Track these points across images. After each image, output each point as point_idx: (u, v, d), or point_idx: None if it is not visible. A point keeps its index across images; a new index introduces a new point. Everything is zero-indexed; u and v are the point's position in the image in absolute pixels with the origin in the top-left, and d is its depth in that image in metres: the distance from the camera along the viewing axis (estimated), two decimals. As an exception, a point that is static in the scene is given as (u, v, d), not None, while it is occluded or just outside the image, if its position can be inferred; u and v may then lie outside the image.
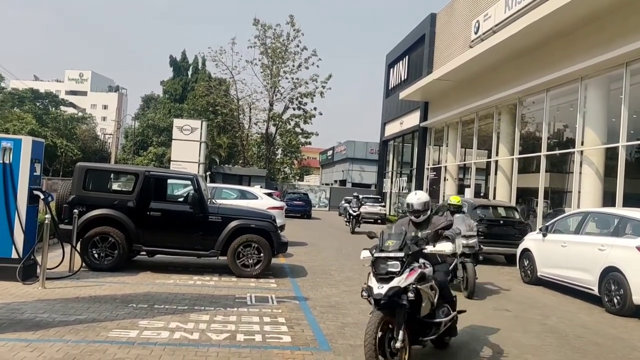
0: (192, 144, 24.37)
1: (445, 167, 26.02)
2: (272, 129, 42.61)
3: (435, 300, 5.23)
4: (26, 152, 7.99)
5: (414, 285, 4.80)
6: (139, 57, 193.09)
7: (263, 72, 41.00)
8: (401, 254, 4.90)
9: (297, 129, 42.70)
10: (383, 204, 32.42)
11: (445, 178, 25.99)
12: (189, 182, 10.49)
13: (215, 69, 48.30)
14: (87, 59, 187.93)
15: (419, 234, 5.44)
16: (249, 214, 10.23)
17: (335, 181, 60.31)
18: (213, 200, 10.90)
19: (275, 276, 9.99)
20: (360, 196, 25.86)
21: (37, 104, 59.86)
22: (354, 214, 22.33)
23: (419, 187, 28.53)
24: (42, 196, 8.23)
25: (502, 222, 14.87)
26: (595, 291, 9.00)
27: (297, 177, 56.73)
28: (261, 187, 21.83)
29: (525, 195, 19.16)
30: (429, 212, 5.74)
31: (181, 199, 10.91)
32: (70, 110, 66.49)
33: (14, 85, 64.78)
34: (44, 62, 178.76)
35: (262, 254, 9.68)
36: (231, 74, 41.33)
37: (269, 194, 17.06)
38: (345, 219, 23.88)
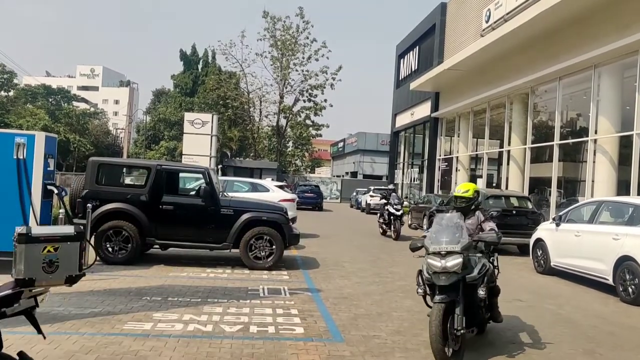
0: (204, 138, 24.44)
1: (457, 157, 25.86)
2: (283, 122, 42.68)
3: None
4: (40, 147, 8.07)
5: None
6: (149, 51, 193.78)
7: (273, 65, 41.04)
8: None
9: (308, 121, 42.70)
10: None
11: (457, 168, 25.84)
12: (200, 176, 10.55)
13: (225, 62, 48.42)
14: (98, 54, 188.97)
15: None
16: (261, 207, 10.26)
17: (347, 173, 60.25)
18: (225, 194, 10.94)
19: (287, 268, 10.03)
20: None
21: (50, 99, 60.41)
22: (397, 213, 16.24)
23: (431, 177, 28.45)
24: (56, 191, 8.31)
25: (514, 212, 14.79)
26: (610, 280, 8.93)
27: (308, 169, 56.78)
28: (272, 179, 21.88)
29: (538, 185, 19.01)
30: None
31: (193, 193, 10.97)
32: (83, 106, 67.03)
33: (27, 82, 65.36)
34: (56, 58, 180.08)
35: (274, 246, 9.72)
36: (241, 67, 41.44)
37: (281, 187, 17.09)
38: (382, 223, 17.29)
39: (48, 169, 8.27)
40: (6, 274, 7.65)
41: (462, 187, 6.17)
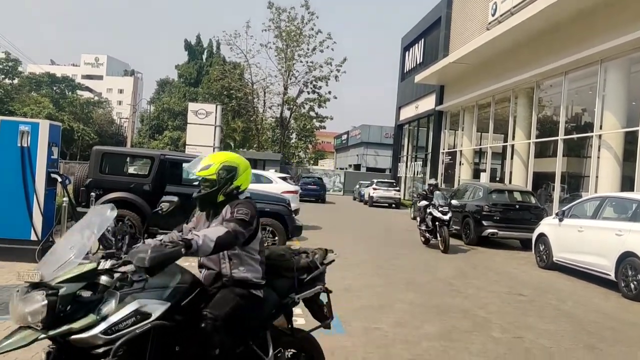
0: (207, 128, 24.44)
1: (461, 151, 25.81)
2: (287, 113, 42.59)
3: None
4: (43, 135, 8.09)
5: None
6: (154, 40, 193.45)
7: (277, 56, 40.94)
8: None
9: (312, 113, 42.62)
10: (398, 188, 32.33)
11: (460, 162, 25.80)
12: (204, 166, 10.53)
13: (230, 52, 48.30)
14: (103, 43, 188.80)
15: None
16: (264, 198, 10.26)
17: (350, 165, 60.20)
18: (228, 184, 10.93)
19: (289, 259, 10.02)
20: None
21: (54, 88, 60.38)
22: (444, 217, 12.73)
23: (434, 171, 28.41)
24: (59, 179, 8.34)
25: (517, 206, 14.77)
26: (612, 276, 8.92)
27: (312, 162, 56.75)
28: (276, 171, 21.88)
29: (542, 180, 18.96)
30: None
31: (196, 183, 10.96)
32: (87, 95, 66.98)
33: (31, 70, 65.38)
34: (60, 47, 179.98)
35: (276, 238, 9.74)
36: (246, 58, 41.34)
37: (284, 178, 17.10)
38: (425, 230, 13.48)
39: (52, 157, 8.29)
40: (7, 260, 7.69)
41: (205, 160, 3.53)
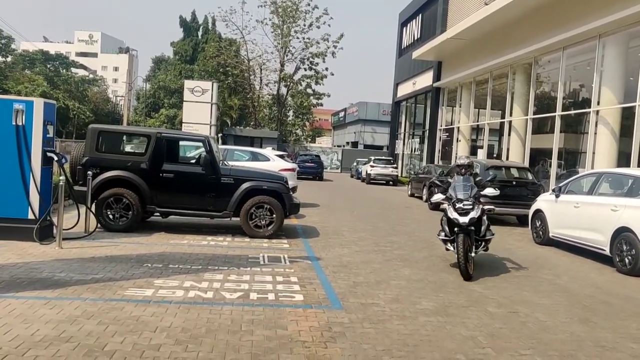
0: (204, 106, 24.31)
1: (458, 127, 25.77)
2: (284, 90, 42.32)
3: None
4: (38, 114, 8.02)
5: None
6: (148, 17, 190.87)
7: (274, 32, 40.45)
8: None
9: (309, 90, 42.34)
10: (395, 165, 32.33)
11: (458, 139, 25.79)
12: (200, 144, 10.52)
13: (226, 29, 47.63)
14: (96, 19, 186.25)
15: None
16: (261, 176, 10.26)
17: (347, 143, 60.09)
18: (225, 162, 10.92)
19: (287, 237, 10.09)
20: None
21: (48, 65, 59.71)
22: (461, 220, 7.61)
23: (432, 148, 28.40)
24: (56, 158, 8.31)
25: (514, 182, 14.81)
26: (607, 251, 9.00)
27: (309, 139, 56.61)
28: (273, 149, 21.83)
29: (539, 156, 18.99)
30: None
31: (193, 161, 10.96)
32: (81, 72, 66.36)
33: (25, 47, 64.58)
34: (53, 23, 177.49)
35: (274, 215, 9.76)
36: (241, 34, 40.83)
37: (281, 156, 17.06)
38: (443, 239, 8.10)
39: (47, 135, 8.24)
40: (5, 239, 7.70)
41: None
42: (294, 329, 4.95)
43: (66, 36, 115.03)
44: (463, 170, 8.22)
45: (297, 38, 40.37)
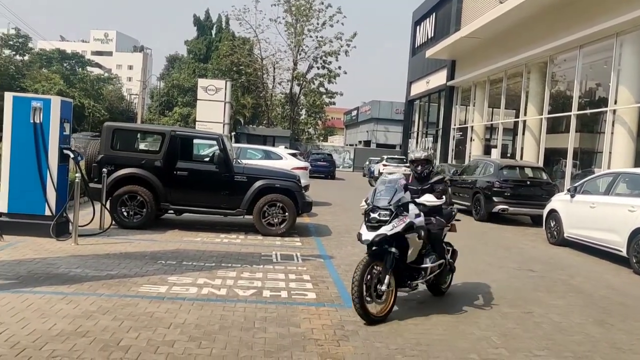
0: (217, 104, 24.39)
1: (472, 127, 25.61)
2: (296, 89, 42.36)
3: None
4: (55, 111, 8.13)
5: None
6: (163, 16, 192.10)
7: (287, 31, 40.57)
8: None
9: (322, 89, 42.35)
10: (408, 164, 32.17)
11: (471, 138, 25.63)
12: (214, 142, 10.57)
13: (239, 28, 47.91)
14: (112, 19, 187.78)
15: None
16: (274, 174, 10.29)
17: (360, 142, 59.96)
18: (238, 160, 10.98)
19: (300, 235, 10.11)
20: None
21: (64, 64, 60.30)
22: (364, 237, 5.43)
23: (445, 147, 28.26)
24: (72, 155, 8.40)
25: (528, 182, 14.69)
26: (624, 252, 8.89)
27: (321, 138, 56.59)
28: (285, 147, 21.86)
29: (554, 156, 18.80)
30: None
31: (207, 159, 11.01)
32: (97, 71, 66.91)
33: (42, 46, 65.28)
34: (69, 22, 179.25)
35: (286, 213, 9.78)
36: (255, 33, 40.99)
37: (293, 155, 17.09)
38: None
39: (64, 133, 8.34)
40: (23, 235, 7.83)
41: None
42: (307, 327, 4.96)
43: (82, 35, 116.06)
44: (419, 168, 6.09)
45: (311, 37, 40.49)
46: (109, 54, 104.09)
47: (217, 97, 24.46)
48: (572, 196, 10.67)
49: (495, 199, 14.05)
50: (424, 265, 5.69)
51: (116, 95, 65.53)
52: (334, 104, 45.94)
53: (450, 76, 27.99)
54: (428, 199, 5.63)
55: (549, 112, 18.81)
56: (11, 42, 53.44)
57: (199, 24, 62.29)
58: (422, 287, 6.15)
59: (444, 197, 5.85)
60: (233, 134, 30.89)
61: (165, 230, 9.59)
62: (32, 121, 8.02)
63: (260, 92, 42.84)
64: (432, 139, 32.37)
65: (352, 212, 14.65)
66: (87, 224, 8.64)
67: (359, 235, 5.44)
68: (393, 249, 5.27)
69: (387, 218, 5.29)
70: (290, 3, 39.75)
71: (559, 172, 17.98)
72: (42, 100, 8.22)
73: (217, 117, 24.00)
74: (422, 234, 5.55)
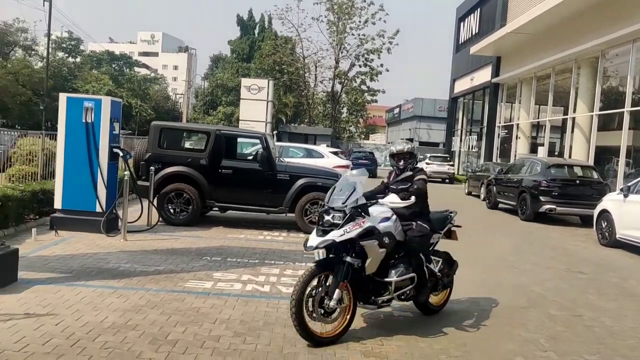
0: (260, 103, 24.73)
1: (518, 124, 25.01)
2: (338, 87, 42.34)
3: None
4: (106, 111, 8.40)
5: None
6: (207, 16, 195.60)
7: (329, 29, 40.53)
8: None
9: (363, 87, 42.19)
10: (451, 163, 31.76)
11: (517, 136, 25.03)
12: (257, 141, 10.69)
13: (282, 27, 48.23)
14: (158, 20, 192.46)
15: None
16: (316, 172, 10.33)
17: (402, 139, 59.44)
18: (281, 159, 11.07)
19: (342, 233, 10.08)
20: None
21: (113, 65, 62.28)
22: (311, 244, 4.65)
23: (489, 145, 27.72)
24: (121, 154, 8.67)
25: (577, 181, 14.26)
26: (680, 255, 8.51)
27: (363, 136, 56.40)
28: (327, 146, 21.91)
29: (605, 154, 18.14)
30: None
31: (250, 157, 11.16)
32: (143, 71, 68.73)
33: (92, 48, 67.58)
34: (118, 24, 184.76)
35: (329, 212, 9.79)
36: (297, 32, 41.15)
37: (335, 153, 17.11)
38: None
39: (113, 132, 8.60)
40: (75, 231, 8.11)
41: None
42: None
43: (130, 37, 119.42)
44: (401, 163, 5.25)
45: (353, 35, 40.34)
46: (155, 54, 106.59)
47: (259, 96, 24.80)
48: (626, 196, 10.28)
49: (542, 198, 13.69)
50: (386, 279, 4.74)
51: (162, 95, 67.09)
52: (376, 101, 45.69)
53: (495, 73, 27.42)
54: (391, 199, 4.84)
55: (600, 109, 18.16)
56: (64, 45, 55.55)
57: (242, 24, 63.04)
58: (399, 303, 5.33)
59: (413, 197, 4.90)
60: (275, 132, 31.20)
61: (210, 227, 9.77)
62: (84, 121, 8.31)
63: (302, 90, 43.03)
64: (476, 136, 31.80)
65: (394, 211, 14.57)
66: (135, 221, 8.89)
67: (305, 242, 4.65)
68: (348, 258, 4.48)
69: (340, 221, 4.49)
70: (333, 1, 39.74)
71: (611, 171, 17.33)
72: (93, 100, 8.51)
73: (259, 116, 24.33)
74: (387, 241, 4.66)
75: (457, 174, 31.81)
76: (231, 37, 63.85)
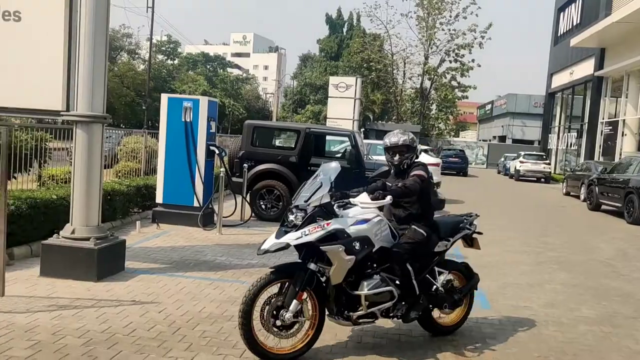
0: (347, 101, 24.79)
1: (624, 120, 23.27)
2: (427, 84, 41.56)
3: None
4: (203, 111, 8.81)
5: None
6: (296, 16, 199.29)
7: (418, 25, 39.87)
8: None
9: (453, 83, 41.13)
10: (548, 161, 30.18)
11: (623, 133, 23.30)
12: (346, 139, 10.74)
13: (370, 24, 48.11)
14: (250, 21, 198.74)
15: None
16: (405, 171, 10.20)
17: (494, 137, 57.28)
18: (369, 157, 11.06)
19: (431, 233, 9.90)
20: None
21: (208, 66, 65.19)
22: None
23: (591, 142, 26.07)
24: (217, 151, 9.06)
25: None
26: None
27: (452, 133, 54.98)
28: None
29: None
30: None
31: (339, 155, 11.24)
32: (236, 72, 71.36)
33: (188, 50, 71.15)
34: (213, 26, 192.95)
35: (418, 210, 9.66)
36: (385, 29, 40.85)
37: (424, 151, 16.82)
38: None
39: (210, 131, 9.00)
40: (175, 224, 8.54)
41: None
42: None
43: (223, 38, 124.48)
44: (396, 157, 4.46)
45: (443, 30, 39.42)
46: (247, 55, 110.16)
47: (347, 94, 24.86)
48: None
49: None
50: (356, 292, 4.03)
51: (253, 94, 69.29)
52: (467, 98, 44.34)
53: (599, 66, 25.69)
54: (361, 199, 4.16)
55: None
56: (163, 48, 58.87)
57: (331, 23, 63.59)
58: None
59: (388, 197, 4.07)
60: (362, 130, 31.20)
61: (300, 223, 9.92)
62: (183, 120, 8.76)
63: (389, 87, 42.68)
64: (575, 133, 30.01)
65: (486, 211, 14.09)
66: (229, 216, 9.25)
67: (260, 244, 4.03)
68: (312, 265, 3.90)
69: (301, 221, 3.89)
70: (422, -3, 39.04)
71: None
72: (192, 100, 8.96)
73: (347, 114, 24.39)
74: (357, 247, 3.93)
75: (554, 173, 30.19)
76: (320, 36, 64.59)
